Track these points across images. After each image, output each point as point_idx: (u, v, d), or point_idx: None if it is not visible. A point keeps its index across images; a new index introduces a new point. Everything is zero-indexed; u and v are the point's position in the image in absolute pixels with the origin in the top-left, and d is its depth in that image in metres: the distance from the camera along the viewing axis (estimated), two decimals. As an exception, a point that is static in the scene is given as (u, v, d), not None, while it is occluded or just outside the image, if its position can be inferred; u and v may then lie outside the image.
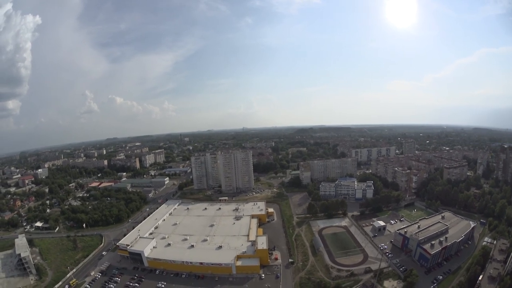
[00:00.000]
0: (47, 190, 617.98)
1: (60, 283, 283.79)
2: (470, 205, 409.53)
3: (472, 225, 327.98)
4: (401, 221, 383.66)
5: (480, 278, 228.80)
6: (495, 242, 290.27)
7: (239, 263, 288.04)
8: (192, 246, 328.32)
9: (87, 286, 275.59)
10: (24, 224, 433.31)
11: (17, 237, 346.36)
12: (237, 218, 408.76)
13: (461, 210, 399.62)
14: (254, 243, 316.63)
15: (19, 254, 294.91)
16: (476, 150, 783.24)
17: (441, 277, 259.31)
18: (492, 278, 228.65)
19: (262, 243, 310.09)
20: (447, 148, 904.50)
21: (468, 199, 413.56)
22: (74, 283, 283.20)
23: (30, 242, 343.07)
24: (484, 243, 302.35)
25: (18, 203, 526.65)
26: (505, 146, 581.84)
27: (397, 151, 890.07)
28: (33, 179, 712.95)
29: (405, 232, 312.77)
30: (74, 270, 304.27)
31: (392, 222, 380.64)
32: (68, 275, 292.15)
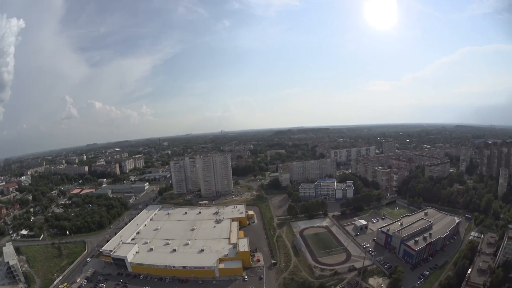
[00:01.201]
0: (30, 197, 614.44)
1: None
2: (454, 201, 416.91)
3: (457, 221, 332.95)
4: (383, 219, 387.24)
5: (469, 272, 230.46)
6: (482, 236, 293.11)
7: (221, 265, 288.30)
8: (174, 250, 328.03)
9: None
10: (11, 232, 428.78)
11: (5, 245, 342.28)
12: (218, 221, 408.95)
13: (445, 206, 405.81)
14: (235, 245, 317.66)
15: (8, 262, 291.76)
16: (458, 147, 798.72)
17: (427, 272, 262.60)
18: (482, 270, 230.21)
19: (244, 245, 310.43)
20: (428, 146, 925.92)
21: (452, 195, 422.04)
22: (65, 286, 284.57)
23: (17, 250, 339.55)
24: (471, 237, 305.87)
25: (4, 211, 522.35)
26: (489, 142, 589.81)
27: (376, 151, 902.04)
28: (17, 186, 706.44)
29: (388, 230, 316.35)
30: (61, 277, 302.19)
31: (374, 220, 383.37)
32: (55, 282, 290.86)
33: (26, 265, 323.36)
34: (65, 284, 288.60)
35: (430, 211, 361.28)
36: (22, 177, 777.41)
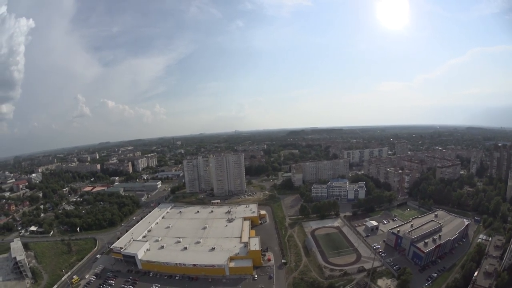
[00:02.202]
0: (41, 194, 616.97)
1: (55, 286, 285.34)
2: (463, 203, 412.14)
3: (466, 223, 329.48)
4: (393, 220, 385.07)
5: (475, 274, 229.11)
6: (490, 239, 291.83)
7: (232, 264, 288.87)
8: (185, 248, 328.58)
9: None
10: (19, 228, 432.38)
11: (13, 241, 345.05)
12: (230, 220, 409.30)
13: (455, 209, 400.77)
14: (246, 244, 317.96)
15: (15, 258, 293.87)
16: (469, 149, 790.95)
17: (435, 274, 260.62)
18: (488, 273, 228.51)
19: (255, 244, 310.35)
20: (440, 148, 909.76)
21: (462, 197, 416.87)
22: (76, 280, 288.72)
23: (25, 246, 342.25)
24: (479, 240, 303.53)
25: (13, 207, 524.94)
26: (499, 144, 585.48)
27: (389, 152, 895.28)
28: (27, 183, 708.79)
29: (398, 231, 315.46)
30: (69, 273, 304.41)
31: (385, 221, 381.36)
32: (63, 278, 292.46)
33: (34, 261, 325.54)
34: (76, 277, 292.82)
35: (440, 213, 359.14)
36: (33, 174, 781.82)
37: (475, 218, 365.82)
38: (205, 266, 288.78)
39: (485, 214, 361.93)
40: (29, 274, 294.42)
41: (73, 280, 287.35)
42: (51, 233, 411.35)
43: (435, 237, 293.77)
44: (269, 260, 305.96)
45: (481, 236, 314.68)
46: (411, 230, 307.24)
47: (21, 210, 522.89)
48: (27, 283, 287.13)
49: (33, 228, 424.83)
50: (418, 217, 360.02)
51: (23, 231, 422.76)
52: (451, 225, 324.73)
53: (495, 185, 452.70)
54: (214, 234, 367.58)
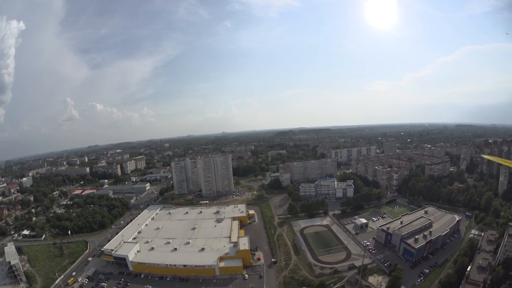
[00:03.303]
0: (32, 198, 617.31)
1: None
2: (454, 199, 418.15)
3: (457, 218, 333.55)
4: (383, 217, 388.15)
5: (468, 269, 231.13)
6: (482, 233, 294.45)
7: (222, 264, 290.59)
8: (175, 249, 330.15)
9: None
10: (12, 232, 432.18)
11: (6, 246, 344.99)
12: (218, 220, 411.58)
13: (445, 205, 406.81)
14: (236, 244, 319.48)
15: (9, 262, 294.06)
16: (459, 146, 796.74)
17: (427, 270, 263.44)
18: (481, 268, 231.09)
19: (244, 243, 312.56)
20: (429, 146, 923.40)
21: (452, 194, 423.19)
22: (72, 281, 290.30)
23: (19, 250, 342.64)
24: (472, 235, 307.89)
25: (5, 211, 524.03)
26: (490, 140, 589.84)
27: (377, 151, 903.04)
28: (18, 188, 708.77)
29: (388, 228, 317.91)
30: (62, 276, 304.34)
31: (374, 219, 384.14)
32: (56, 282, 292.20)
33: (27, 265, 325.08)
34: (71, 279, 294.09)
35: (430, 209, 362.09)
36: (24, 179, 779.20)
37: (466, 213, 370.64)
38: (196, 266, 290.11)
39: (477, 210, 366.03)
40: (24, 278, 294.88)
41: (69, 281, 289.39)
42: (43, 236, 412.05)
43: (425, 233, 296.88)
44: (259, 259, 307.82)
45: (473, 231, 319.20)
46: (401, 227, 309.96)
47: (13, 214, 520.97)
48: (22, 287, 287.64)
49: (25, 232, 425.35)
50: (408, 213, 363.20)
51: (16, 235, 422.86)
52: (441, 221, 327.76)
53: (486, 181, 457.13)
54: (204, 235, 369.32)
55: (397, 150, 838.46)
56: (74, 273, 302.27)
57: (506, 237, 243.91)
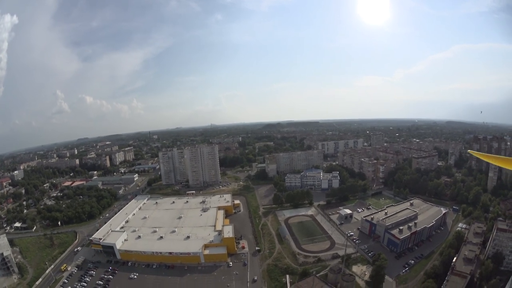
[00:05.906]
0: (23, 191, 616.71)
1: (40, 279, 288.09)
2: (441, 193, 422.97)
3: (444, 211, 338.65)
4: (368, 209, 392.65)
5: (454, 260, 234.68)
6: (469, 226, 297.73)
7: (206, 251, 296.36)
8: (161, 237, 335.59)
9: (65, 280, 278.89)
10: (5, 225, 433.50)
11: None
12: (204, 210, 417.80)
13: (432, 198, 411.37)
14: (220, 232, 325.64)
15: (2, 254, 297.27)
16: (448, 141, 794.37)
17: (412, 261, 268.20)
18: (468, 259, 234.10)
19: (228, 232, 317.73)
20: (417, 140, 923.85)
21: (439, 187, 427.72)
22: (64, 267, 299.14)
23: (11, 242, 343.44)
24: (459, 228, 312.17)
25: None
26: (479, 136, 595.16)
27: (365, 144, 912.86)
28: (10, 181, 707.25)
29: (372, 218, 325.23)
30: (53, 266, 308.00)
31: (359, 210, 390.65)
32: (47, 271, 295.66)
33: (19, 256, 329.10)
34: (64, 265, 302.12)
35: (416, 201, 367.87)
36: (15, 172, 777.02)
37: (454, 207, 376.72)
38: (181, 254, 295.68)
39: (464, 204, 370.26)
40: (16, 270, 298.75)
41: (61, 268, 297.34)
42: (34, 228, 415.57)
43: (410, 224, 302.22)
44: (243, 247, 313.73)
45: (460, 224, 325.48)
46: (385, 218, 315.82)
47: (5, 208, 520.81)
48: (15, 278, 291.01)
49: (17, 224, 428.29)
50: (393, 205, 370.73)
51: (8, 227, 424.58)
52: (427, 213, 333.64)
53: (475, 176, 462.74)
54: (189, 223, 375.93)
55: (385, 144, 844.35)
56: (65, 264, 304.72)
57: (495, 231, 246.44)
